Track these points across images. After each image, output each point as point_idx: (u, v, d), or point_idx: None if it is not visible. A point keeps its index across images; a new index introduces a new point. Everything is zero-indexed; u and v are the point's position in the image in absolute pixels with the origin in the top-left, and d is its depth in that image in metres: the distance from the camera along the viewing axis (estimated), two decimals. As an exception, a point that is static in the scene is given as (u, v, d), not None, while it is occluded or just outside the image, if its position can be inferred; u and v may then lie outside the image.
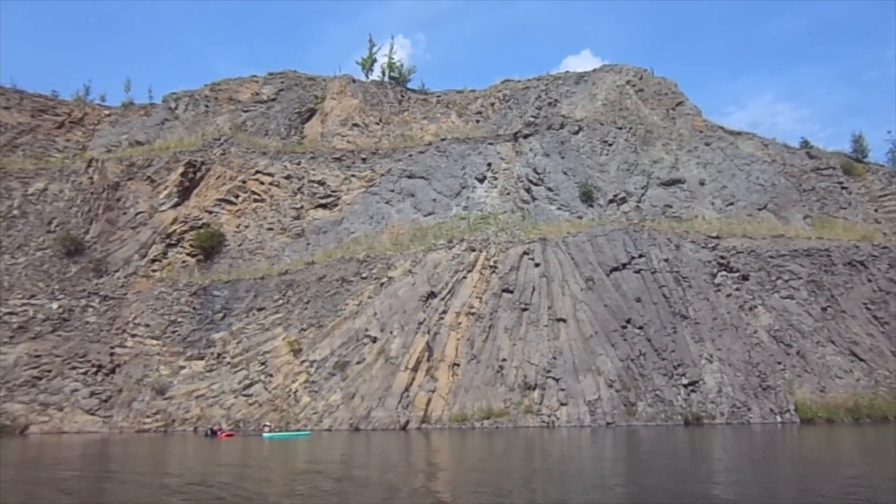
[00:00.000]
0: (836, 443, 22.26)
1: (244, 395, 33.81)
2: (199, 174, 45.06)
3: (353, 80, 56.48)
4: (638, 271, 35.00)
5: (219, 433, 28.43)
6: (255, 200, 44.93)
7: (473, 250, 37.12)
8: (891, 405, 31.49)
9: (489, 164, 46.50)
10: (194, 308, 37.86)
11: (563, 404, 30.79)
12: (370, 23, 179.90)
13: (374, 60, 59.08)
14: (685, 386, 31.20)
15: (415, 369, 32.14)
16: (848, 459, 16.75)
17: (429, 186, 45.65)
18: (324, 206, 45.27)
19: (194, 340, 36.75)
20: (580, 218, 41.30)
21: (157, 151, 46.77)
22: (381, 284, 36.67)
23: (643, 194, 44.31)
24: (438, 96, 57.60)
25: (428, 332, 33.43)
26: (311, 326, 36.00)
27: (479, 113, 54.91)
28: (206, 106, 53.82)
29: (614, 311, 33.55)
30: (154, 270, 40.68)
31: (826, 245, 38.46)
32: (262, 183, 45.43)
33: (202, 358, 36.03)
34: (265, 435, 28.35)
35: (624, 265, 35.18)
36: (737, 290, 36.22)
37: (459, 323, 34.13)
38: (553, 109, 51.18)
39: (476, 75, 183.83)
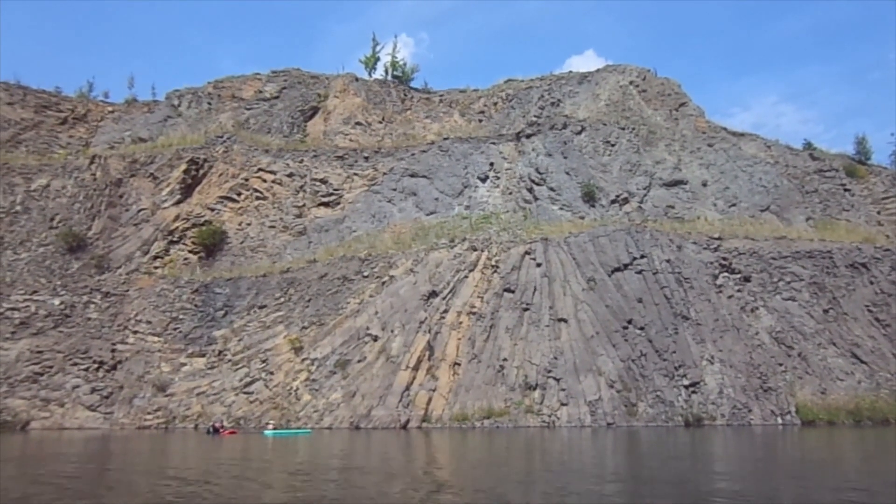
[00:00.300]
0: (836, 445, 22.22)
1: (245, 393, 33.86)
2: (201, 171, 45.13)
3: (357, 79, 56.51)
4: (639, 272, 34.98)
5: (221, 431, 28.50)
6: (258, 198, 44.98)
7: (475, 250, 37.13)
8: (892, 407, 31.46)
9: (491, 164, 46.50)
10: (196, 305, 37.93)
11: (563, 404, 30.79)
12: (374, 21, 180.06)
13: (378, 59, 59.17)
14: (686, 387, 31.18)
15: (416, 368, 32.16)
16: (849, 462, 16.73)
17: (431, 185, 45.66)
18: (326, 204, 45.32)
19: (196, 338, 36.82)
20: (582, 218, 41.28)
21: (160, 148, 46.85)
22: (383, 283, 36.70)
23: (645, 195, 44.27)
24: (441, 95, 57.60)
25: (429, 332, 33.45)
26: (313, 324, 36.04)
27: (482, 112, 54.89)
28: (209, 103, 53.88)
29: (615, 311, 33.53)
30: (156, 267, 40.76)
31: (828, 247, 38.40)
32: (265, 181, 45.48)
33: (203, 355, 36.10)
34: (266, 433, 28.42)
35: (625, 266, 35.16)
36: (738, 291, 36.18)
37: (460, 322, 34.14)
38: (556, 109, 51.15)
39: (479, 75, 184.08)
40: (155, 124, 52.68)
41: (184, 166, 44.46)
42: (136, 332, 37.15)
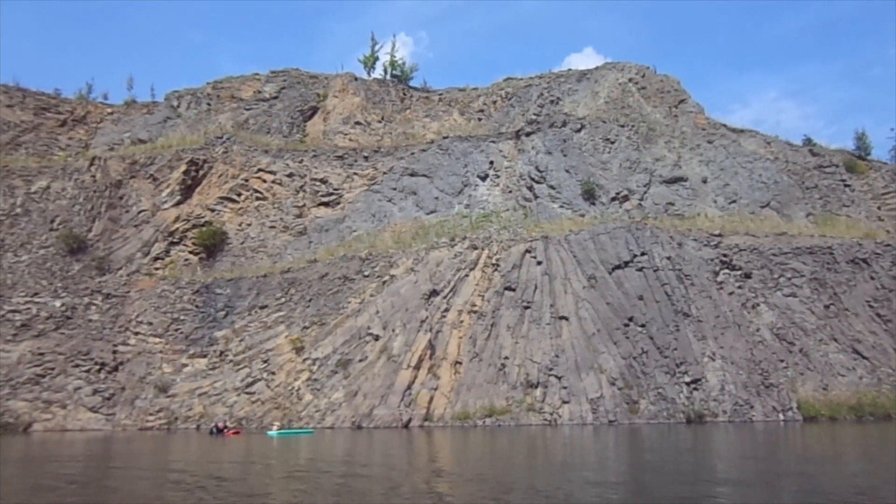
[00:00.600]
0: (838, 441, 22.23)
1: (247, 393, 33.89)
2: (201, 172, 45.12)
3: (356, 78, 56.47)
4: (640, 269, 34.98)
5: (225, 431, 28.53)
6: (258, 198, 44.99)
7: (476, 248, 37.13)
8: (894, 403, 31.47)
9: (491, 162, 46.48)
10: (197, 306, 37.95)
11: (565, 402, 30.82)
12: (372, 21, 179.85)
13: (377, 58, 59.08)
14: (687, 384, 31.19)
15: (417, 367, 32.18)
16: (851, 457, 16.74)
17: (431, 184, 45.66)
18: (326, 204, 45.33)
19: (197, 338, 36.85)
20: (582, 216, 41.29)
21: (160, 149, 46.84)
22: (384, 282, 36.72)
23: (645, 192, 44.26)
24: (441, 94, 57.56)
25: (430, 330, 33.47)
26: (314, 324, 36.07)
27: (482, 111, 54.87)
28: (209, 104, 53.86)
29: (616, 309, 33.54)
30: (157, 268, 40.78)
31: (829, 243, 38.40)
32: (265, 181, 45.48)
33: (205, 356, 36.13)
34: (270, 433, 28.46)
35: (626, 263, 35.16)
36: (739, 287, 36.18)
37: (461, 321, 34.16)
38: (555, 107, 51.10)
39: (478, 73, 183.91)
40: (154, 125, 52.67)
41: (183, 167, 44.46)
42: (137, 334, 37.18)
